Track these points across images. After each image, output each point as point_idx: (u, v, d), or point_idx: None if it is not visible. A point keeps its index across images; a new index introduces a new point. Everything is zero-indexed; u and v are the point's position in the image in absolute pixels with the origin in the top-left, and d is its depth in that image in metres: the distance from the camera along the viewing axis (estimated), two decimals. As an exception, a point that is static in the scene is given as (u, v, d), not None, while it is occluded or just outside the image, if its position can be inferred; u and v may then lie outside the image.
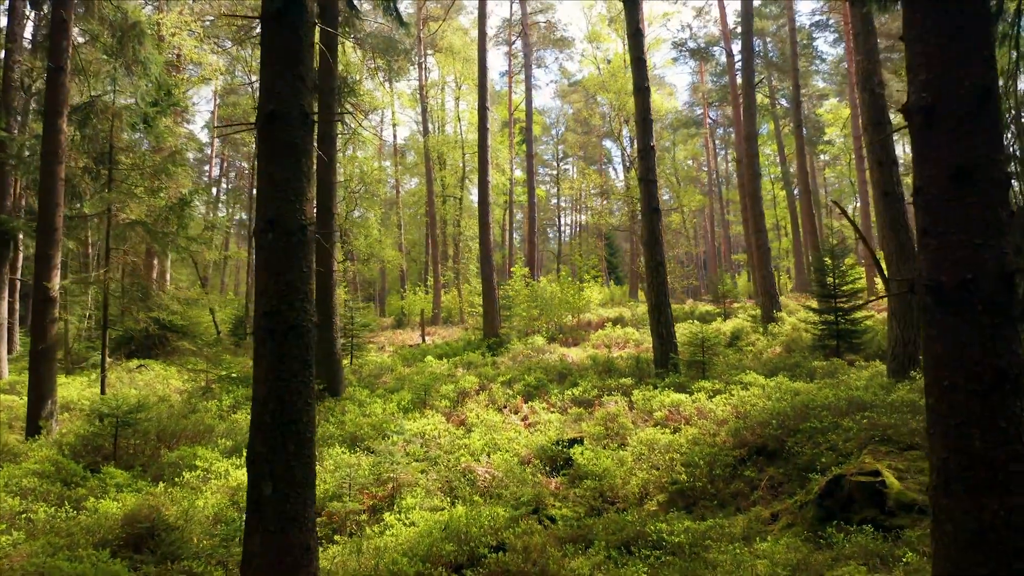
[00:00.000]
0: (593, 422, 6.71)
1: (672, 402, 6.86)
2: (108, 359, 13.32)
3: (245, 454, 3.06)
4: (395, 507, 5.25)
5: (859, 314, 10.04)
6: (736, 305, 20.69)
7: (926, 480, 5.28)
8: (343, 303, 22.34)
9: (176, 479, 5.65)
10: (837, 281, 9.94)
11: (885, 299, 15.78)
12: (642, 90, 9.33)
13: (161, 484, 5.48)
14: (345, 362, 11.82)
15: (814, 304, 12.79)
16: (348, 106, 20.83)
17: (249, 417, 7.84)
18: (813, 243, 15.06)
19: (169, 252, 9.82)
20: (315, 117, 3.15)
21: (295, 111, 3.05)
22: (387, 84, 29.95)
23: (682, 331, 11.02)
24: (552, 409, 7.28)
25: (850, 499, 5.00)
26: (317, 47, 9.14)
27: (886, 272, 8.24)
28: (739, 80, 23.21)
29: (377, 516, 5.22)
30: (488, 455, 5.99)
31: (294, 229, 2.98)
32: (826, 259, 10.14)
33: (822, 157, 43.83)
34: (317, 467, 6.04)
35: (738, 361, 9.11)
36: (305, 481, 2.94)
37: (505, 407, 7.28)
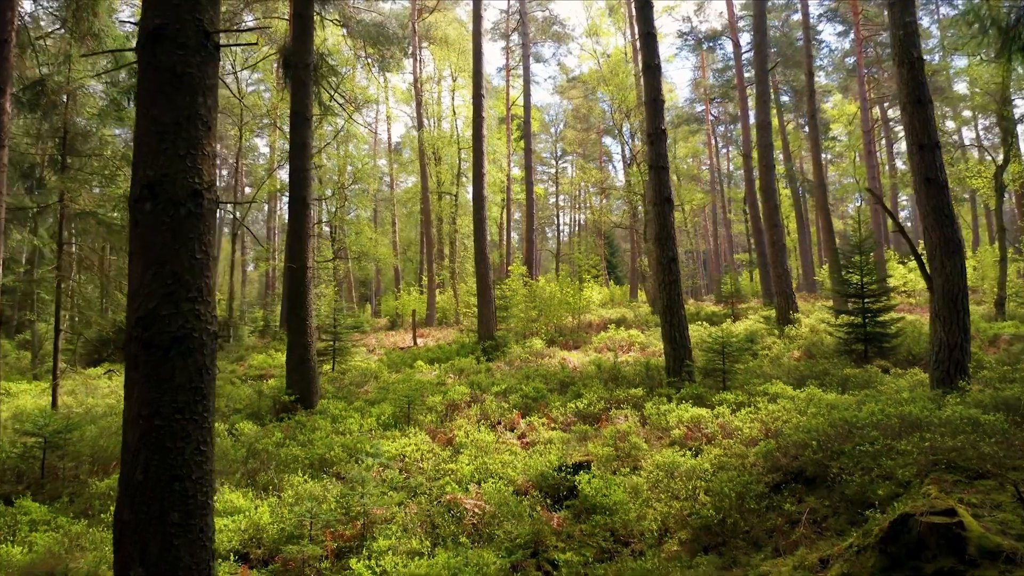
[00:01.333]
0: (600, 441, 5.79)
1: (691, 418, 5.94)
2: (72, 366, 12.36)
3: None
4: (364, 550, 4.34)
5: (887, 315, 9.15)
6: (743, 306, 19.81)
7: (1007, 518, 4.32)
8: (331, 302, 21.39)
9: (103, 514, 4.72)
10: (865, 279, 9.05)
11: (914, 300, 14.83)
12: (652, 68, 8.43)
13: (82, 522, 4.55)
14: (327, 367, 10.90)
15: (829, 304, 11.91)
16: (337, 97, 19.89)
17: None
18: (828, 240, 14.18)
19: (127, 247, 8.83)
20: (219, 39, 2.20)
21: (190, 28, 2.12)
22: (380, 76, 29.03)
23: (692, 334, 10.13)
24: (553, 425, 6.36)
25: (920, 544, 4.07)
26: (290, 16, 8.22)
27: (928, 268, 7.36)
28: (746, 72, 22.34)
29: (342, 562, 4.30)
30: (478, 483, 5.07)
31: (183, 196, 2.05)
32: (851, 256, 9.25)
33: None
34: (274, 500, 5.12)
35: (758, 368, 8.21)
36: (196, 566, 2.00)
37: (499, 423, 6.36)
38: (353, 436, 6.13)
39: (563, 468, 5.21)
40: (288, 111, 21.52)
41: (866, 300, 9.04)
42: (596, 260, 20.79)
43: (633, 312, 20.92)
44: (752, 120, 22.57)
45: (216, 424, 7.16)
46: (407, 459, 5.52)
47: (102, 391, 11.31)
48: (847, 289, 9.27)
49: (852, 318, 9.19)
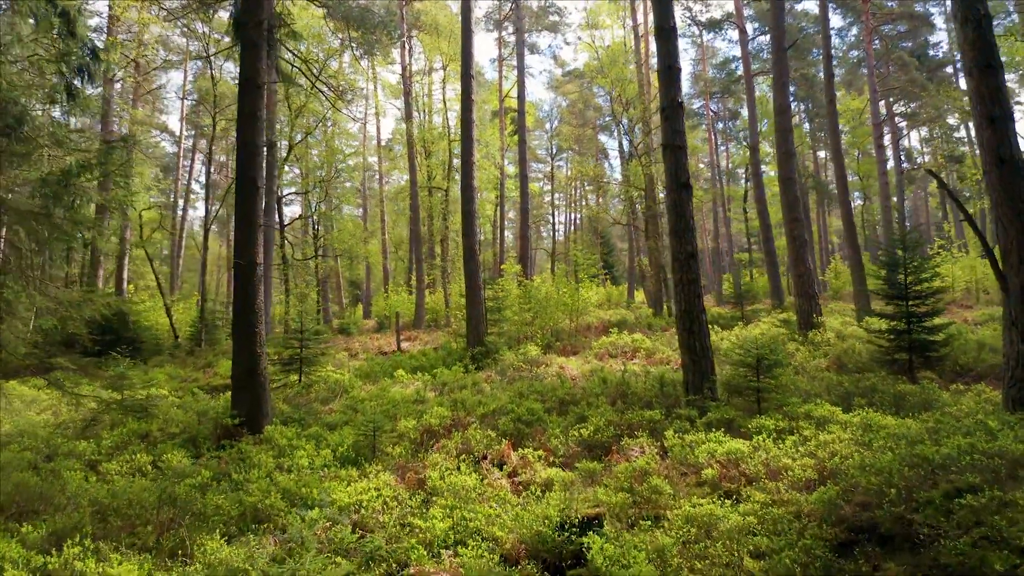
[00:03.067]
0: (613, 483, 4.56)
1: (727, 452, 4.72)
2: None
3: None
4: (291, 655, 3.09)
5: (935, 320, 7.96)
6: (750, 307, 18.66)
7: None
8: (313, 304, 20.06)
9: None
10: (910, 279, 7.86)
11: (962, 303, 13.62)
12: (665, 31, 7.21)
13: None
14: (293, 377, 9.61)
15: (849, 306, 10.73)
16: (319, 84, 18.52)
17: (126, 468, 5.61)
18: (850, 236, 13.00)
19: (56, 240, 7.54)
20: None
21: None
22: (368, 68, 27.74)
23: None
24: (552, 459, 5.12)
25: (1082, 658, 2.88)
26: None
27: (1001, 266, 6.19)
28: (753, 64, 21.22)
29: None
30: (454, 548, 3.83)
31: None
32: (897, 251, 8.06)
33: (821, 155, 42.09)
34: (178, 573, 3.85)
35: (791, 383, 6.99)
36: None
37: (485, 457, 5.10)
38: (301, 475, 4.86)
39: (566, 525, 3.97)
40: (278, 99, 20.15)
41: (911, 302, 7.85)
42: (595, 259, 19.56)
43: (634, 314, 19.72)
44: (759, 110, 21.43)
45: (140, 456, 5.89)
46: (364, 510, 4.26)
47: (41, 404, 10.00)
48: (888, 290, 8.08)
49: (893, 323, 8.00)
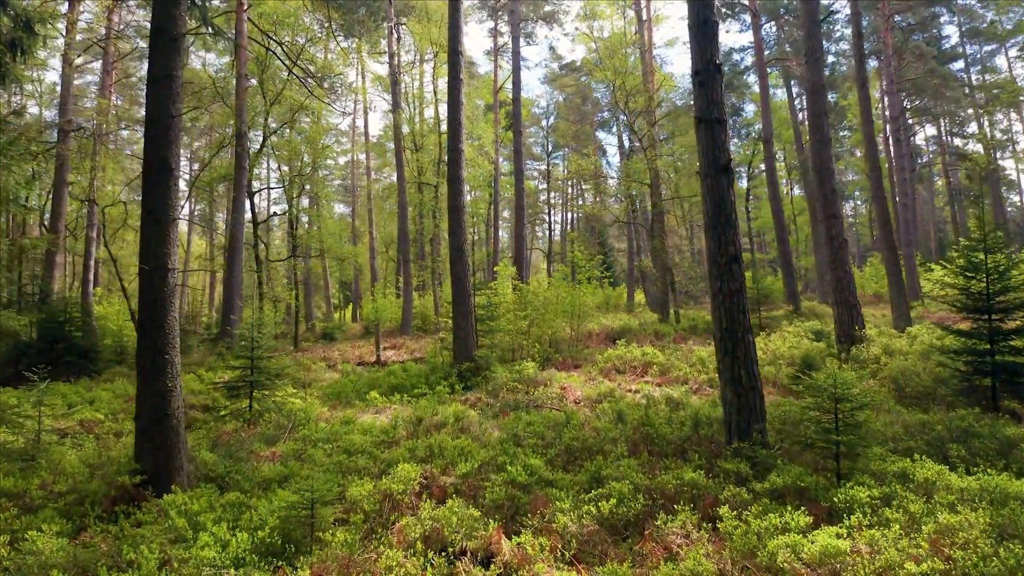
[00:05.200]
0: (653, 602, 3.05)
1: (821, 552, 3.21)
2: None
3: None
4: None
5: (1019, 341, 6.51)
6: (767, 313, 17.23)
7: None
8: (293, 306, 18.30)
9: None
10: (993, 289, 6.41)
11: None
12: (700, -24, 5.71)
13: None
14: (244, 404, 8.04)
15: (871, 312, 9.28)
16: (300, 72, 16.91)
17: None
18: (886, 236, 11.57)
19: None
20: None
21: None
22: (353, 56, 26.14)
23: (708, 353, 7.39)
24: (560, 551, 3.60)
25: None
26: None
27: None
28: (765, 50, 19.82)
29: None
30: None
31: None
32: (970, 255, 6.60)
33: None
34: None
35: (863, 428, 5.48)
36: None
37: (464, 552, 3.58)
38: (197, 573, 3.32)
39: None
40: (248, 85, 18.43)
41: (993, 316, 6.40)
42: (597, 259, 18.06)
43: (638, 320, 18.24)
44: (772, 101, 19.96)
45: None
46: (273, 657, 2.73)
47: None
48: (964, 300, 6.62)
49: (972, 342, 6.55)
